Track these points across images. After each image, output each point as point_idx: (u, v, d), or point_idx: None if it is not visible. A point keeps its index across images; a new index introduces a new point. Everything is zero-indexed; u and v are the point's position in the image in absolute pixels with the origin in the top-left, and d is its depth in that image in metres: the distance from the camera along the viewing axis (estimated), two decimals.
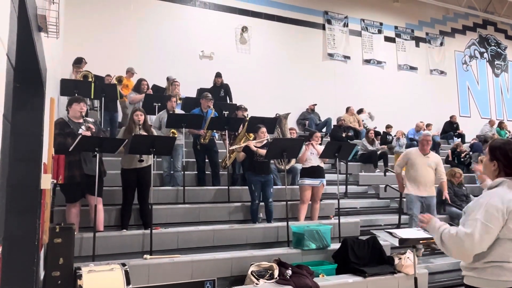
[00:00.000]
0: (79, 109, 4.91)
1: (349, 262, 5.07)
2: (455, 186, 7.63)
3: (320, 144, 6.82)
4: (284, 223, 5.62)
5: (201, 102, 7.03)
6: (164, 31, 10.65)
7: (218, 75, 9.72)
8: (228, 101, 9.42)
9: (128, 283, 3.80)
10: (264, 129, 6.23)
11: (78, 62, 8.28)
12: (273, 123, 7.12)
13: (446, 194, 6.63)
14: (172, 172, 6.58)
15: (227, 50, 11.37)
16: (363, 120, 12.00)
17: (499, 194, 2.14)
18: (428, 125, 12.57)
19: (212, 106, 7.01)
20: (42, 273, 3.92)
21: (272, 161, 6.78)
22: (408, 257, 5.11)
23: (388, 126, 11.74)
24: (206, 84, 9.73)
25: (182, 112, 7.29)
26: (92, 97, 7.15)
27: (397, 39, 14.14)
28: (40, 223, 3.29)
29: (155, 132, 5.76)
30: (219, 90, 9.50)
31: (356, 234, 6.18)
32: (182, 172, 6.39)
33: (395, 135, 11.04)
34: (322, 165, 6.56)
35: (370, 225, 7.03)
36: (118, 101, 8.18)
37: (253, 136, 6.63)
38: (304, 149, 6.35)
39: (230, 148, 6.72)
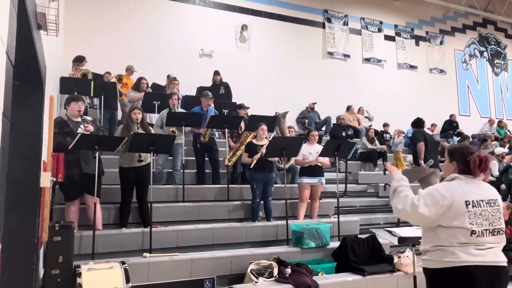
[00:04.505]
0: (77, 108, 4.89)
1: (349, 260, 5.07)
2: None
3: (319, 143, 6.81)
4: (284, 222, 5.63)
5: (201, 100, 7.03)
6: (164, 29, 10.64)
7: (217, 73, 9.70)
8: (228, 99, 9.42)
9: (127, 281, 3.81)
10: (264, 127, 6.19)
11: (79, 60, 8.24)
12: (272, 122, 7.12)
13: None
14: (165, 170, 6.56)
15: (227, 48, 11.36)
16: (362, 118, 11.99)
17: (451, 186, 2.51)
18: (432, 125, 12.51)
19: (212, 105, 7.01)
20: (41, 271, 3.92)
21: None
22: (407, 256, 5.11)
23: (385, 125, 11.72)
24: (205, 82, 9.72)
25: (182, 110, 7.28)
26: (91, 95, 7.15)
27: (397, 37, 14.13)
28: (39, 221, 3.29)
29: (153, 130, 5.75)
30: (219, 88, 9.49)
31: (356, 232, 6.18)
32: (182, 171, 6.38)
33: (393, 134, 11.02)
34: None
35: (370, 224, 7.05)
36: (117, 99, 8.18)
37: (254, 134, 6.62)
38: (301, 157, 6.38)
39: (235, 145, 6.73)
